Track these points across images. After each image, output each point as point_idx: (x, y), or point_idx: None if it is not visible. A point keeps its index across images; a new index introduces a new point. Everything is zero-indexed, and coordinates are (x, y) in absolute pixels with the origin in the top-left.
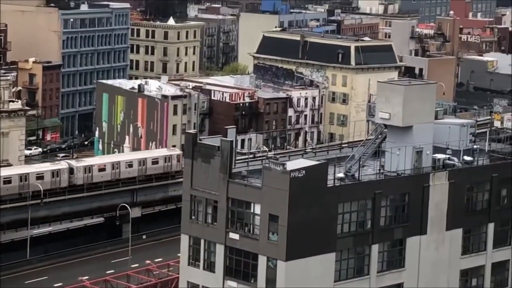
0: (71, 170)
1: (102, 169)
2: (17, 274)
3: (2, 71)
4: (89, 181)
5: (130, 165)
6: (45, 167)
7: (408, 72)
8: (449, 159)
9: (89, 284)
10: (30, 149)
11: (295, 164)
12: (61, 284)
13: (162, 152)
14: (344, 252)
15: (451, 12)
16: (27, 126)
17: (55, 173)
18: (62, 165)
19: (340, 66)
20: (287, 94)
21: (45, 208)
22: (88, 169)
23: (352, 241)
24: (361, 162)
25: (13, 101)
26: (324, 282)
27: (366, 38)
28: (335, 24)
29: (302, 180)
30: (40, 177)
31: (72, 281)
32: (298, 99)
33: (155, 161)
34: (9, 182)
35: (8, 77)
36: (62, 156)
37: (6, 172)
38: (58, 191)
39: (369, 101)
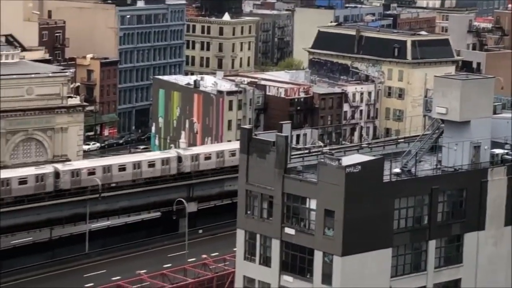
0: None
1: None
2: (76, 267)
3: (61, 68)
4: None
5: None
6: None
7: (466, 67)
8: (507, 154)
9: (146, 278)
10: (88, 144)
11: (351, 159)
12: (119, 277)
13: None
14: (401, 248)
15: (510, 5)
16: (85, 122)
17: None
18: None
19: (396, 60)
20: (343, 89)
21: (104, 202)
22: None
23: (409, 237)
24: (417, 158)
25: (71, 97)
26: (381, 278)
27: (423, 32)
28: (391, 18)
29: (357, 175)
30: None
31: (130, 274)
32: (354, 94)
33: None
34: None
35: (67, 73)
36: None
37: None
38: (116, 186)
39: (425, 96)
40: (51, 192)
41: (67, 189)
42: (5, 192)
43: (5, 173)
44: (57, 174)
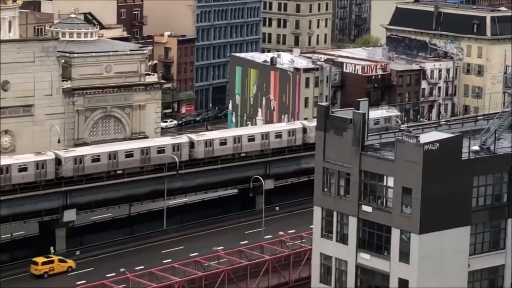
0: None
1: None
2: (154, 243)
3: (139, 45)
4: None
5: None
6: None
7: None
8: None
9: (223, 254)
10: (166, 122)
11: (429, 136)
12: (196, 253)
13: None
14: (480, 226)
15: None
16: (163, 99)
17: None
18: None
19: (475, 37)
20: (421, 66)
21: (181, 179)
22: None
23: (488, 215)
24: (497, 135)
25: (149, 75)
26: (459, 256)
27: (503, 8)
28: None
29: (436, 153)
30: (161, 150)
31: (207, 251)
32: (432, 71)
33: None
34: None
35: (145, 51)
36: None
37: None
38: (193, 163)
39: (505, 73)
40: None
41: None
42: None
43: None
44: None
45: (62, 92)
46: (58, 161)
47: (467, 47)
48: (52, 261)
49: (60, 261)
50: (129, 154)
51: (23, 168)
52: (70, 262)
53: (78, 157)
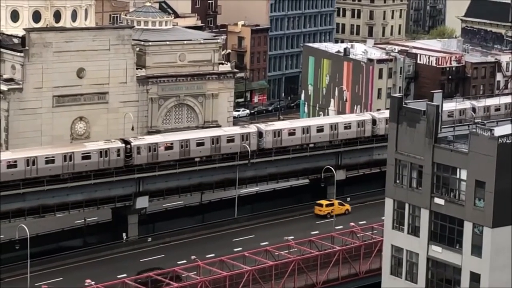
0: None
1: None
2: (225, 232)
3: (212, 34)
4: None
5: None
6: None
7: None
8: None
9: (294, 244)
10: (238, 111)
11: (503, 129)
12: (267, 242)
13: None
14: None
15: None
16: (236, 88)
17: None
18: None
19: None
20: (496, 59)
21: (253, 168)
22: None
23: None
24: None
25: (222, 64)
26: None
27: None
28: None
29: (510, 146)
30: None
31: (278, 240)
32: (508, 64)
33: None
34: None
35: (218, 40)
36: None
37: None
38: (263, 152)
39: None
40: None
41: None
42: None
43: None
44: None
45: (136, 80)
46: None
47: None
48: (332, 204)
49: (340, 204)
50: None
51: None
52: (347, 206)
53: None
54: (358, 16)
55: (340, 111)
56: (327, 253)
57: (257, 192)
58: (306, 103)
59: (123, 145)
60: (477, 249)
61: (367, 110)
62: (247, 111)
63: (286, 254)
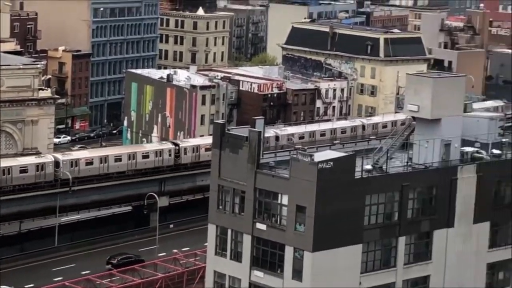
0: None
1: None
2: (45, 261)
3: (32, 60)
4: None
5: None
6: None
7: (437, 65)
8: (477, 152)
9: (116, 272)
10: (59, 138)
11: (323, 155)
12: (88, 271)
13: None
14: (371, 244)
15: (481, 5)
16: (56, 115)
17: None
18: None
19: (369, 58)
20: (316, 86)
21: (74, 196)
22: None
23: (379, 233)
24: (389, 154)
25: (42, 89)
26: (351, 274)
27: (396, 30)
28: (364, 16)
29: (329, 171)
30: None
31: (100, 269)
32: (327, 91)
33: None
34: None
35: (38, 66)
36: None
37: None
38: (88, 179)
39: (397, 94)
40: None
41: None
42: None
43: None
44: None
45: None
46: None
47: (361, 67)
48: None
49: None
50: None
51: None
52: None
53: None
54: (181, 43)
55: (164, 137)
56: (150, 281)
57: (79, 220)
58: (129, 129)
59: None
60: (297, 274)
61: (190, 136)
62: (68, 137)
63: (108, 283)
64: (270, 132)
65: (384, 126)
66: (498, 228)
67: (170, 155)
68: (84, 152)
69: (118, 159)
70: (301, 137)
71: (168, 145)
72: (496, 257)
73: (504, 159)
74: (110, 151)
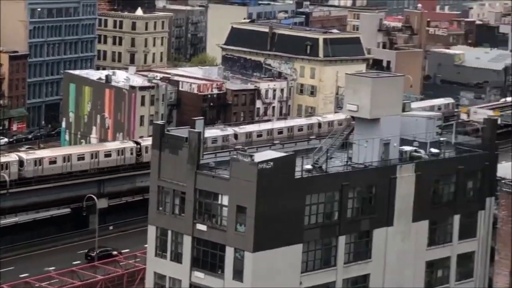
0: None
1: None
2: None
3: None
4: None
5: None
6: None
7: (376, 65)
8: (415, 151)
9: (55, 275)
10: None
11: (263, 155)
12: (27, 274)
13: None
14: (311, 244)
15: (419, 5)
16: None
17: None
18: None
19: (308, 58)
20: (255, 86)
21: (12, 198)
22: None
23: (319, 233)
24: (328, 154)
25: None
26: (291, 273)
27: (335, 31)
28: (304, 16)
29: (270, 171)
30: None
31: (39, 271)
32: (266, 91)
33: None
34: None
35: None
36: (27, 147)
37: None
38: (24, 181)
39: (337, 93)
40: None
41: None
42: None
43: None
44: None
45: None
46: None
47: (301, 67)
48: None
49: None
50: None
51: None
52: None
53: None
54: (120, 43)
55: (102, 139)
56: (90, 283)
57: (17, 222)
58: (67, 130)
59: None
60: (238, 274)
61: (129, 137)
62: (6, 139)
63: (47, 285)
64: (229, 130)
65: (340, 124)
66: (436, 226)
67: (132, 153)
68: (47, 151)
69: (81, 157)
70: (259, 135)
71: (130, 144)
72: (435, 255)
73: (442, 158)
74: (73, 150)
